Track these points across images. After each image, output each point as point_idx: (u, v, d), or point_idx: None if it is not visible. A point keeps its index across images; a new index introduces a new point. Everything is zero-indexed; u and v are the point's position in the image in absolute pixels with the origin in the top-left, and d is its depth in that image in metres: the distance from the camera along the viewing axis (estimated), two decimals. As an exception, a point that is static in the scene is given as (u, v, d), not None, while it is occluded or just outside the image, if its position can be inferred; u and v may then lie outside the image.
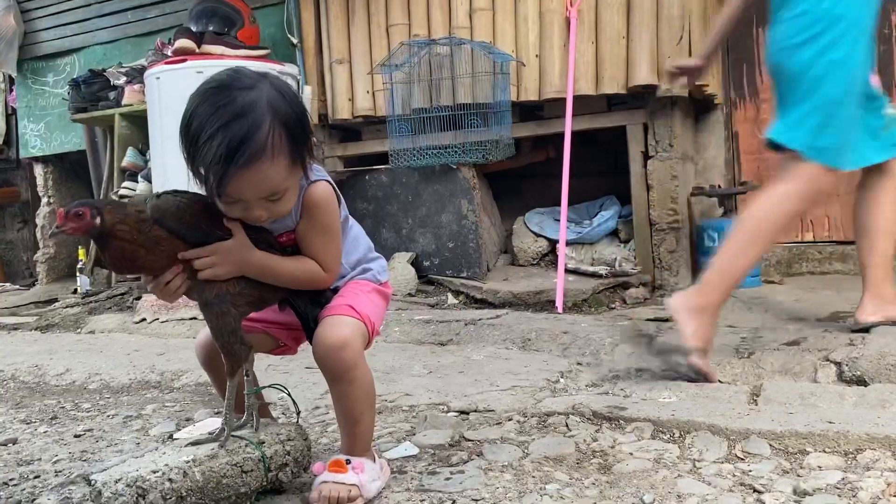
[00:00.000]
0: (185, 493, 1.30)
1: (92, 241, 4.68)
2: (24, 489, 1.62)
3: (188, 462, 1.33)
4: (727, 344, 2.45)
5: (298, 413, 1.65)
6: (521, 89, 3.83)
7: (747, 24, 4.12)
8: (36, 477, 1.70)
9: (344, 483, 1.39)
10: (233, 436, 1.43)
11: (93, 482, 1.30)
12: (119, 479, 1.28)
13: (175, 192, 1.39)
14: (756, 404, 1.93)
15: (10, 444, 1.98)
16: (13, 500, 1.55)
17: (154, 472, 1.29)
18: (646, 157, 3.73)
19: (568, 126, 3.59)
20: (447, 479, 1.52)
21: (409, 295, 3.76)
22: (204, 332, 1.59)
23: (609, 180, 4.24)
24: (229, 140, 1.25)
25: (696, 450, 1.64)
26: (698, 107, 4.09)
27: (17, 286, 5.99)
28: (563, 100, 3.67)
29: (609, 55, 3.64)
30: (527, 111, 4.01)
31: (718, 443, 1.65)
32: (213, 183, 1.28)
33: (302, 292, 1.49)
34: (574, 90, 3.65)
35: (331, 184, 1.45)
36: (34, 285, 5.79)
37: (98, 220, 1.28)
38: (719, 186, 3.94)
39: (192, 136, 1.29)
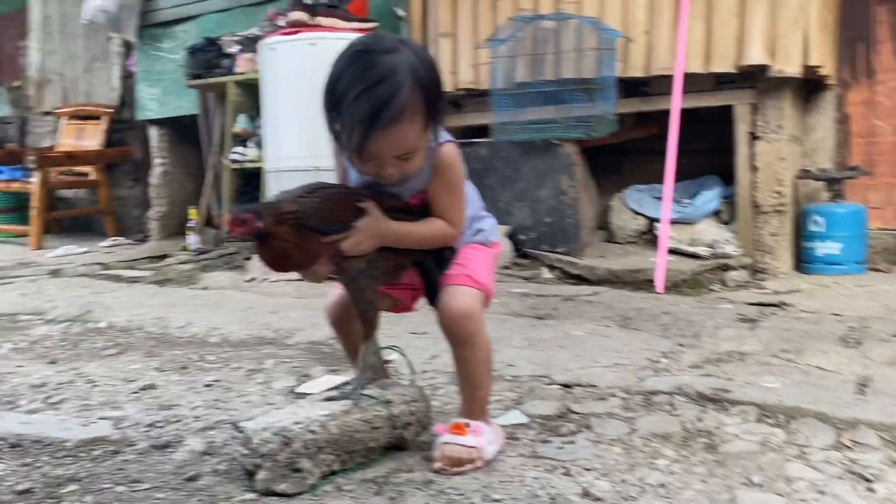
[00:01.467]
0: (323, 444, 1.43)
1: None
2: (169, 431, 1.80)
3: (326, 416, 1.46)
4: (832, 332, 2.44)
5: (414, 373, 1.77)
6: (627, 65, 3.81)
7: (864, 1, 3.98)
8: (178, 420, 1.87)
9: (465, 445, 1.50)
10: (363, 394, 1.55)
11: (243, 429, 1.44)
12: (266, 428, 1.42)
13: (306, 193, 1.45)
14: (864, 394, 1.93)
15: (150, 389, 2.17)
16: (162, 440, 1.72)
17: (297, 423, 1.42)
18: (753, 137, 3.67)
19: (676, 104, 3.56)
20: (559, 448, 1.61)
21: (505, 267, 3.84)
22: (335, 293, 1.71)
23: (710, 159, 4.18)
24: (373, 102, 1.36)
25: (802, 436, 1.67)
26: (809, 87, 3.98)
27: (130, 241, 6.36)
28: (670, 77, 3.64)
29: (720, 33, 3.58)
30: (629, 87, 3.99)
31: (825, 430, 1.68)
32: (354, 141, 1.39)
33: (428, 253, 1.59)
34: (683, 67, 3.61)
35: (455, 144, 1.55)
36: (145, 240, 6.13)
37: (260, 224, 1.37)
38: (827, 170, 3.85)
39: (337, 97, 1.40)
